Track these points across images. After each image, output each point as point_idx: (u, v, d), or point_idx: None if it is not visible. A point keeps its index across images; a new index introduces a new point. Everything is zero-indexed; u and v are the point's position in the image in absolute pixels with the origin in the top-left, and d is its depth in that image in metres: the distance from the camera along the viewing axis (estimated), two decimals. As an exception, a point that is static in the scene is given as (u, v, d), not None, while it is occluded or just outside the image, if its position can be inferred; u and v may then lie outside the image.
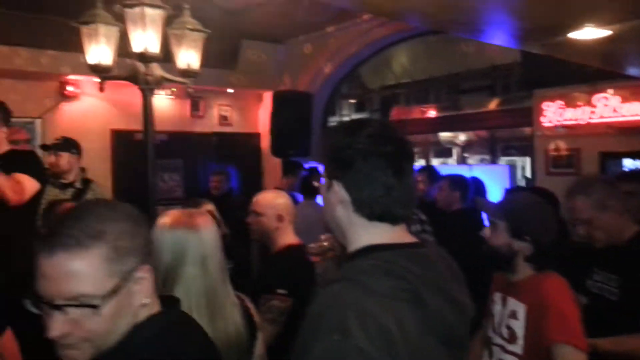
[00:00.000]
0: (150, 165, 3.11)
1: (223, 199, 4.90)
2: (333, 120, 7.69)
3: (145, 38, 2.77)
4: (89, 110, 5.84)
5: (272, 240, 2.48)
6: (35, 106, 5.43)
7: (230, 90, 6.70)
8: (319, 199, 4.50)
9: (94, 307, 0.93)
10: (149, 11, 2.71)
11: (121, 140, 5.96)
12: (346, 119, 9.63)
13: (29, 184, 2.83)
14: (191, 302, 1.48)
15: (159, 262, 1.48)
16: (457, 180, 3.59)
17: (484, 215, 3.14)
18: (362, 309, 0.92)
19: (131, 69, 3.02)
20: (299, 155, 5.88)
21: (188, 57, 3.11)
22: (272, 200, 2.47)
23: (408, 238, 1.11)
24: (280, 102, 6.03)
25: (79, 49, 2.97)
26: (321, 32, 6.23)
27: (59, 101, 5.64)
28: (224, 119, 6.95)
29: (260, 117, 7.08)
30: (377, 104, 9.28)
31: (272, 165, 6.66)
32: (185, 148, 6.50)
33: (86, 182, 4.26)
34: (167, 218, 1.60)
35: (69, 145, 4.13)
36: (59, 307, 0.92)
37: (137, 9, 2.70)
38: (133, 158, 5.96)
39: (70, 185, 3.90)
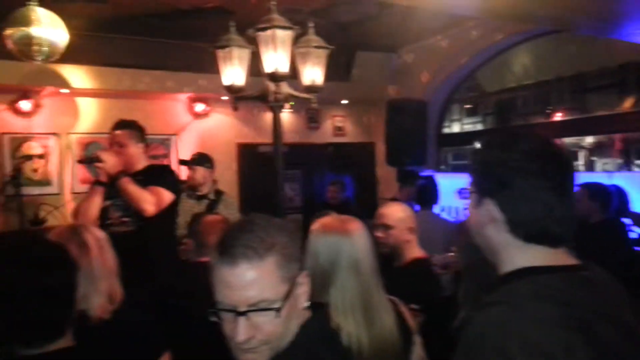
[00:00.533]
0: (279, 177, 3.28)
1: (341, 208, 5.00)
2: (445, 125, 7.52)
3: (276, 59, 2.94)
4: (217, 125, 6.29)
5: (400, 253, 2.48)
6: (171, 124, 5.98)
7: (344, 101, 6.84)
8: (436, 209, 4.44)
9: (276, 310, 1.02)
10: (279, 33, 2.88)
11: (246, 152, 6.35)
12: (457, 123, 9.35)
13: (165, 196, 3.00)
14: (346, 306, 1.52)
15: (314, 266, 1.55)
16: (596, 189, 3.32)
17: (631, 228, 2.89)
18: (526, 337, 0.88)
19: (261, 88, 3.22)
20: (415, 164, 5.82)
21: (313, 73, 3.24)
22: (402, 213, 2.48)
23: (569, 260, 1.04)
24: (395, 111, 6.01)
25: (206, 69, 3.23)
26: (435, 39, 6.14)
27: (191, 119, 6.16)
28: (338, 130, 7.11)
29: (374, 127, 7.13)
30: (491, 108, 8.90)
31: (387, 174, 6.66)
32: (303, 159, 6.73)
33: (218, 193, 4.59)
34: (320, 224, 1.67)
35: (203, 159, 4.49)
36: (244, 314, 1.01)
37: (269, 32, 2.87)
38: (257, 169, 6.39)
39: (205, 197, 4.22)
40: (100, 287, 1.63)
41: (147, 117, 4.64)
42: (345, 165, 6.88)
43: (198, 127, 6.20)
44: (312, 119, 6.87)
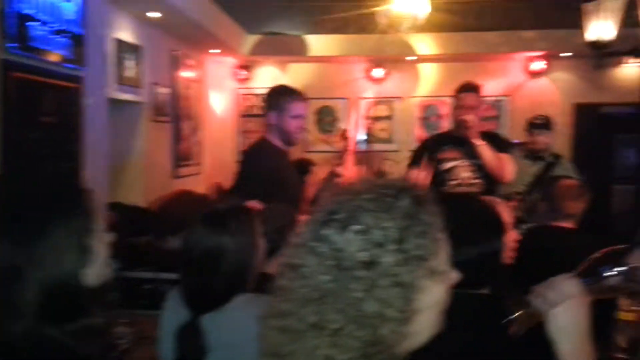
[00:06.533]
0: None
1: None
2: None
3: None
4: (552, 85, 5.90)
5: None
6: (503, 85, 5.90)
7: None
8: None
9: None
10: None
11: (583, 114, 5.79)
12: None
13: (512, 165, 3.04)
14: None
15: None
16: None
17: None
18: None
19: (634, 42, 2.86)
20: None
21: None
22: None
23: None
24: None
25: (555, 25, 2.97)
26: None
27: (524, 79, 5.95)
28: None
29: None
30: None
31: None
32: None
33: (556, 157, 4.35)
34: None
35: (550, 123, 4.31)
36: None
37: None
38: (593, 132, 5.73)
39: (542, 158, 4.06)
40: None
41: (480, 78, 4.64)
42: None
43: (531, 87, 5.93)
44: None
